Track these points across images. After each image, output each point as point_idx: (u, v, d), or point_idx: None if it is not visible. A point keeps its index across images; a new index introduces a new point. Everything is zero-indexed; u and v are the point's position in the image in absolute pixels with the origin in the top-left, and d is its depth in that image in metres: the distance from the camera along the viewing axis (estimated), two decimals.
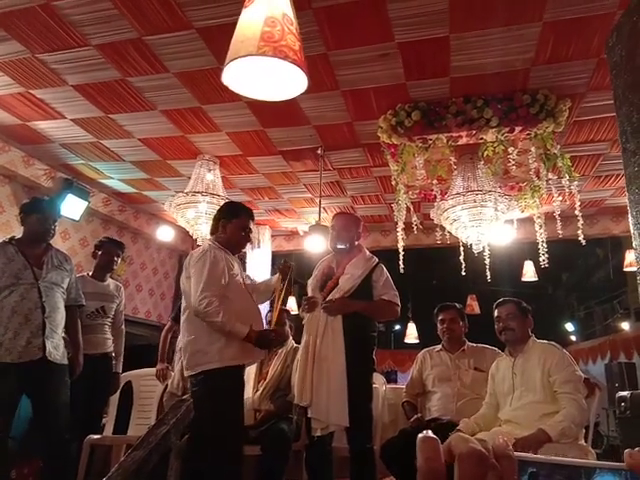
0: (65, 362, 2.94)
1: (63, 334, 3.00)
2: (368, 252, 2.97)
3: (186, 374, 2.48)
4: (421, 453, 0.29)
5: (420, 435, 0.30)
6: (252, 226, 2.74)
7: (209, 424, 2.35)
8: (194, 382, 2.43)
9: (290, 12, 1.31)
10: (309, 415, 2.59)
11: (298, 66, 1.25)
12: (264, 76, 1.42)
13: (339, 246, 2.91)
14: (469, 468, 0.26)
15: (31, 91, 3.51)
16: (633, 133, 1.24)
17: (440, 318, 3.33)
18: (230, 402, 2.39)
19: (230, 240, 2.65)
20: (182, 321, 2.56)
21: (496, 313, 2.83)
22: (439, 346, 3.34)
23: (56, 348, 2.86)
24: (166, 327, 3.97)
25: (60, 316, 2.97)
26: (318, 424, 2.60)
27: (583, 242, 3.77)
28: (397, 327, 15.09)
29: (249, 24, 1.25)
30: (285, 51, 1.21)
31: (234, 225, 2.66)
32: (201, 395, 2.40)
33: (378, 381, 3.27)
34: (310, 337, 2.72)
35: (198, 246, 5.33)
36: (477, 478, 0.26)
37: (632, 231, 1.25)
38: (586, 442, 2.48)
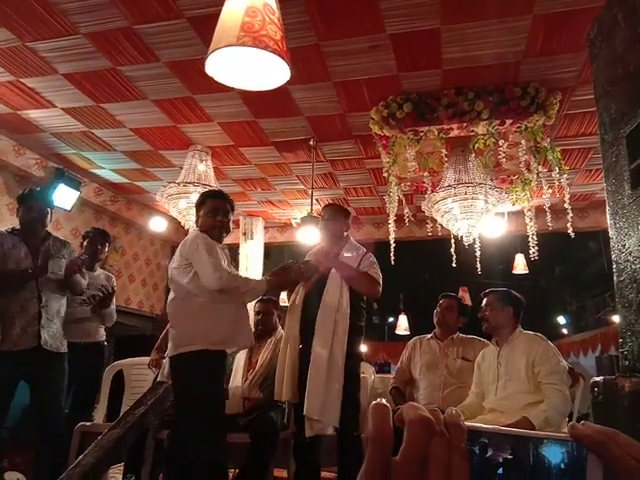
0: (63, 351, 3.00)
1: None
2: (356, 242, 3.00)
3: (167, 354, 2.50)
4: (371, 418, 0.30)
5: (373, 402, 0.31)
6: (221, 206, 2.65)
7: (187, 407, 2.36)
8: (174, 364, 2.44)
9: (272, 2, 1.31)
10: (304, 413, 2.56)
11: (279, 55, 1.26)
12: (249, 66, 1.43)
13: (326, 237, 2.95)
14: (416, 432, 0.27)
15: (21, 80, 3.49)
16: (611, 124, 1.25)
17: (439, 304, 3.40)
18: (208, 387, 2.39)
19: (204, 228, 2.61)
20: (167, 307, 2.58)
21: (482, 303, 2.88)
22: (430, 334, 3.39)
23: (53, 337, 2.93)
24: None
25: (58, 304, 3.02)
26: (313, 424, 2.56)
27: (572, 235, 3.80)
28: (390, 319, 15.15)
29: (231, 14, 1.25)
30: (265, 41, 1.21)
31: (203, 212, 2.66)
32: (180, 377, 2.40)
33: (367, 371, 3.30)
34: (293, 330, 2.76)
35: None
36: (423, 442, 0.28)
37: (608, 221, 1.27)
38: None
